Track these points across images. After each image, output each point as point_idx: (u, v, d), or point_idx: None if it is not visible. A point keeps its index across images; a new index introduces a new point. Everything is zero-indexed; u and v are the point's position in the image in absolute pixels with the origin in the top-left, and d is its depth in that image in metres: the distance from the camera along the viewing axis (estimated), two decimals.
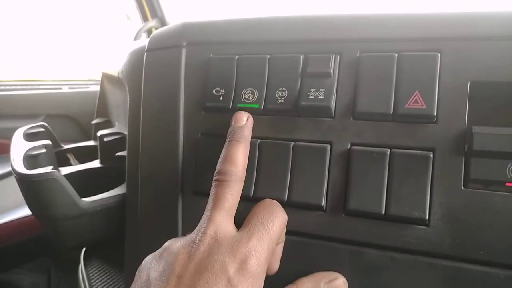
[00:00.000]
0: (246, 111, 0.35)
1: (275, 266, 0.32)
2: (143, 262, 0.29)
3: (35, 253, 0.90)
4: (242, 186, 0.31)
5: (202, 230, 0.28)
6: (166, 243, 0.29)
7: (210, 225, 0.28)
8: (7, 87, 1.16)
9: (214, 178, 0.31)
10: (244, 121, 0.34)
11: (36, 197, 0.40)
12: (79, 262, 0.56)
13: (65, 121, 1.16)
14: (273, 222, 0.29)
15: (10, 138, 0.56)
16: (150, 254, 0.29)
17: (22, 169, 0.40)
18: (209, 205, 0.29)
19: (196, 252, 0.26)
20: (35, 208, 0.41)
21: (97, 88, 0.69)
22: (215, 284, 0.25)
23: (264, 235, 0.28)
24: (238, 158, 0.31)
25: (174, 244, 0.28)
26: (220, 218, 0.28)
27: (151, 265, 0.28)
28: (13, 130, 0.62)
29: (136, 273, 0.29)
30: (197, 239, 0.27)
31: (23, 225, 0.80)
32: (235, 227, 0.29)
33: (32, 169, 0.40)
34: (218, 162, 0.31)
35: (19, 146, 0.48)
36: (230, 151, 0.32)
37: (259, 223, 0.29)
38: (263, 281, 0.27)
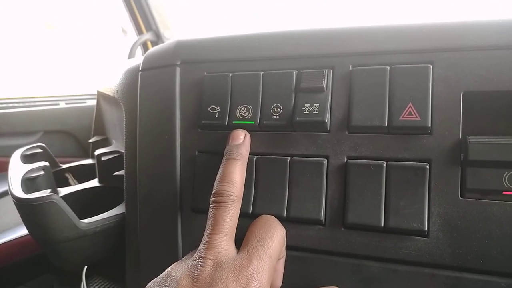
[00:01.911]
0: (242, 127, 0.35)
1: (278, 282, 0.32)
2: None
3: (38, 271, 0.90)
4: (240, 205, 0.31)
5: (203, 255, 0.27)
6: (168, 269, 0.29)
7: (210, 249, 0.28)
8: (4, 105, 1.16)
9: (212, 199, 0.30)
10: (241, 139, 0.34)
11: (34, 220, 0.39)
12: (81, 279, 0.56)
13: (63, 136, 1.15)
14: (272, 239, 0.29)
15: (8, 156, 0.56)
16: (152, 280, 0.29)
17: (20, 193, 0.40)
18: (208, 229, 0.29)
19: (199, 278, 0.26)
20: (34, 232, 0.41)
21: (93, 102, 0.70)
22: None
23: (264, 254, 0.28)
24: (235, 177, 0.31)
25: (177, 270, 0.28)
26: (220, 242, 0.28)
27: None
28: (12, 147, 0.62)
29: None
30: (199, 265, 0.27)
31: (25, 243, 0.80)
32: (235, 248, 0.29)
33: (30, 192, 0.40)
34: (215, 182, 0.31)
35: (17, 169, 0.48)
36: (227, 170, 0.31)
37: (257, 242, 0.29)
38: None
